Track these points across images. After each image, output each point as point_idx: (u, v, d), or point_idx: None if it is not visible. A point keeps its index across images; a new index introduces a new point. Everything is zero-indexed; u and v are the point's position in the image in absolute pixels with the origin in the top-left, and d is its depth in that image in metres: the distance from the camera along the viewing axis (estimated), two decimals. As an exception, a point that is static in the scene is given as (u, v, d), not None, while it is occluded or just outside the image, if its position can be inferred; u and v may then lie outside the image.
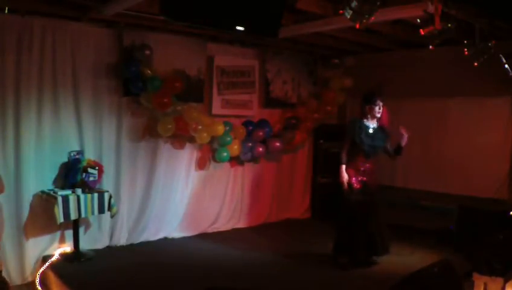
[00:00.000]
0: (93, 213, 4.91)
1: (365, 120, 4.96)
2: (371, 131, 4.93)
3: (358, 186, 4.89)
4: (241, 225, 6.73)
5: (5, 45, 4.58)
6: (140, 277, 4.60)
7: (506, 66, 4.79)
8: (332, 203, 7.24)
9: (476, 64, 4.52)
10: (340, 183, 4.93)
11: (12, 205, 4.73)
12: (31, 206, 4.83)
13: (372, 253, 4.97)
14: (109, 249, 5.44)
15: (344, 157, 4.96)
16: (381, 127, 5.00)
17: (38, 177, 4.88)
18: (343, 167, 4.93)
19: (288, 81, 7.10)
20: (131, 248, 5.55)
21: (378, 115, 4.94)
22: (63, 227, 5.03)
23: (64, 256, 4.94)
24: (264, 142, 6.59)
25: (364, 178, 4.91)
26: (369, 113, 4.94)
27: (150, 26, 5.39)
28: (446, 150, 6.42)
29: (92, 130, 5.27)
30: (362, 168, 4.92)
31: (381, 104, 4.91)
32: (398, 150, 5.00)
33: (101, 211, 4.93)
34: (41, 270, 4.74)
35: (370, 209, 4.92)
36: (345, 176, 4.90)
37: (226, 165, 6.49)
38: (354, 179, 4.89)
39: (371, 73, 6.97)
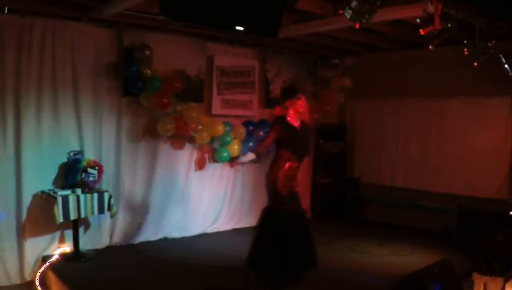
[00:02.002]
0: (93, 213, 4.90)
1: (288, 119, 4.43)
2: (299, 130, 4.44)
3: (286, 193, 4.34)
4: (241, 225, 6.72)
5: (5, 45, 4.59)
6: (140, 276, 4.59)
7: (506, 66, 4.79)
8: (332, 203, 7.29)
9: (476, 64, 4.52)
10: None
11: (12, 205, 4.73)
12: (31, 206, 4.83)
13: (297, 268, 4.38)
14: (109, 249, 5.44)
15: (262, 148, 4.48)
16: (304, 123, 4.52)
17: (38, 177, 4.87)
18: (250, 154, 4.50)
19: (288, 81, 7.10)
20: (131, 247, 5.55)
21: (302, 110, 4.42)
22: (62, 227, 5.03)
23: (64, 256, 4.94)
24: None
25: (292, 184, 4.39)
26: (292, 108, 4.40)
27: (150, 26, 5.39)
28: (446, 150, 6.42)
29: (92, 130, 5.27)
30: (291, 173, 4.37)
31: (303, 97, 4.43)
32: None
33: (101, 211, 4.93)
34: (41, 270, 4.74)
35: (299, 219, 4.44)
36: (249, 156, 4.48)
37: (226, 165, 6.49)
38: (282, 184, 4.32)
39: (371, 73, 6.99)
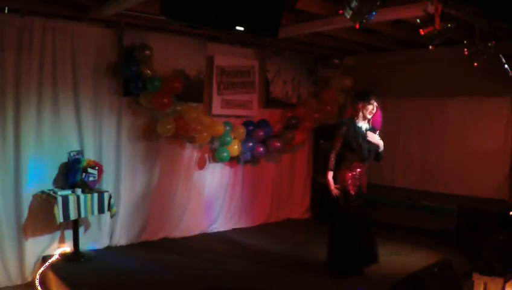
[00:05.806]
0: (93, 213, 4.91)
1: (357, 121, 4.65)
2: (364, 133, 4.63)
3: (353, 192, 4.63)
4: (241, 225, 6.73)
5: (4, 45, 4.58)
6: (140, 277, 4.59)
7: (506, 66, 4.78)
8: (332, 203, 7.28)
9: (476, 64, 4.52)
10: (329, 191, 4.67)
11: (12, 205, 4.73)
12: (31, 206, 4.83)
13: (365, 262, 4.71)
14: (109, 249, 5.44)
15: (333, 162, 4.64)
16: (373, 128, 4.70)
17: (38, 177, 4.87)
18: (331, 173, 4.65)
19: (288, 81, 7.10)
20: (131, 247, 5.55)
21: (370, 116, 4.62)
22: (62, 227, 5.03)
23: (64, 256, 4.94)
24: (264, 142, 6.59)
25: (358, 183, 4.67)
26: (362, 112, 4.62)
27: (150, 26, 5.39)
28: (446, 150, 6.42)
29: (92, 130, 5.27)
30: (357, 173, 4.65)
31: (375, 104, 4.61)
32: (378, 156, 4.76)
33: (101, 211, 4.93)
34: (41, 271, 4.74)
35: (365, 214, 4.75)
36: (332, 184, 4.64)
37: (226, 165, 6.49)
38: (349, 184, 4.62)
39: (371, 73, 6.98)
